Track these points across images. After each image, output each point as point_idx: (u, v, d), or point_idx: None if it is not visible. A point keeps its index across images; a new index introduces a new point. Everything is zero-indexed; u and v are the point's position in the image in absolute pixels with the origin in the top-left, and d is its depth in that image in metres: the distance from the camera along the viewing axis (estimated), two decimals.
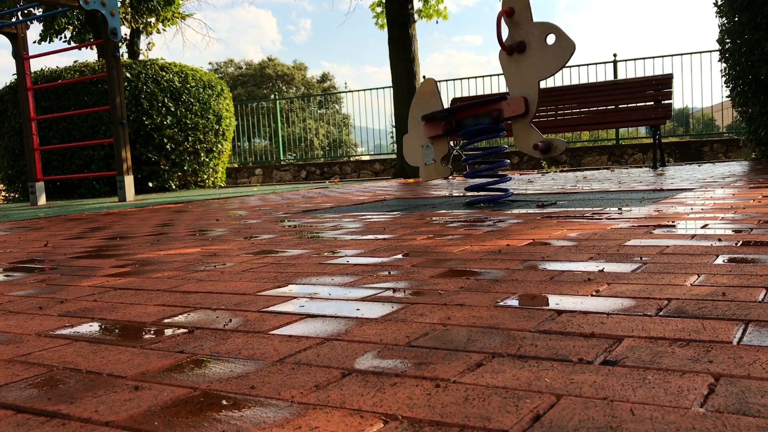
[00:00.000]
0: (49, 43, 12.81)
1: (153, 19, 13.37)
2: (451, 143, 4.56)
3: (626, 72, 11.29)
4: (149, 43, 14.44)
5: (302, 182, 11.29)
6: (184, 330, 1.05)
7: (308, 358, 0.85)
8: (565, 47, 3.03)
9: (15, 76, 8.44)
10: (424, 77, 10.22)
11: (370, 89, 12.39)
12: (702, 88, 13.92)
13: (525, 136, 3.25)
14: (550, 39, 3.07)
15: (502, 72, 3.28)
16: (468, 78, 11.42)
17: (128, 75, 8.31)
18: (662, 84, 6.92)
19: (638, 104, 7.06)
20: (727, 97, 7.96)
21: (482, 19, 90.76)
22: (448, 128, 3.44)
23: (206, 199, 5.89)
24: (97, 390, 0.77)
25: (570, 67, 10.52)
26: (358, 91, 12.52)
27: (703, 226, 1.91)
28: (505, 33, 3.20)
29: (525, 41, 3.12)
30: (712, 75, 16.20)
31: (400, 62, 9.05)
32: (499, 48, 3.21)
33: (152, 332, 1.05)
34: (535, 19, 3.11)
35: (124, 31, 13.19)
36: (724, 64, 7.43)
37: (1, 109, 8.94)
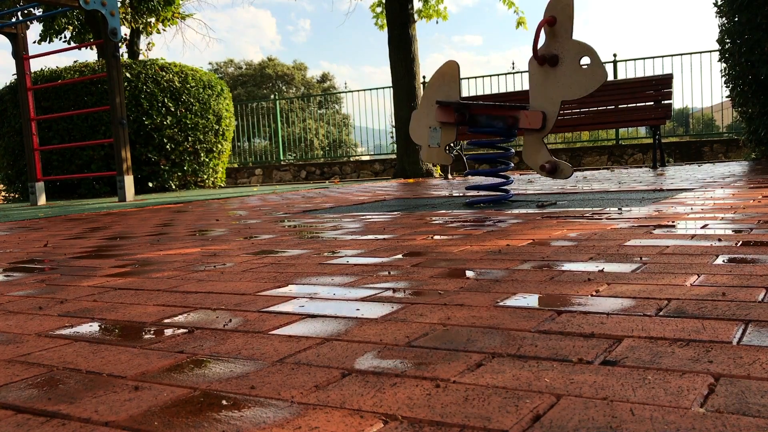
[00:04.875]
0: (49, 43, 12.81)
1: (153, 19, 13.36)
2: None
3: (626, 72, 11.31)
4: (149, 43, 14.44)
5: (302, 182, 11.29)
6: (184, 330, 1.05)
7: (308, 358, 0.85)
8: (597, 74, 2.98)
9: (15, 76, 8.43)
10: (424, 77, 10.22)
11: (370, 89, 12.39)
12: (702, 88, 13.94)
13: (535, 152, 3.22)
14: (584, 61, 3.02)
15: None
16: (468, 78, 11.42)
17: (128, 75, 8.31)
18: (662, 84, 6.92)
19: (638, 104, 7.05)
20: (727, 97, 7.96)
21: (482, 19, 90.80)
22: (460, 120, 3.40)
23: (206, 199, 5.89)
24: (97, 390, 0.77)
25: None
26: (358, 91, 12.52)
27: (703, 226, 1.91)
28: (540, 42, 3.15)
29: (559, 55, 3.08)
30: (712, 75, 16.20)
31: (400, 62, 9.05)
32: (531, 55, 3.16)
33: (152, 332, 1.05)
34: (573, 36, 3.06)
35: (124, 31, 13.18)
36: (724, 64, 7.42)
37: (1, 109, 8.93)
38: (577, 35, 3.02)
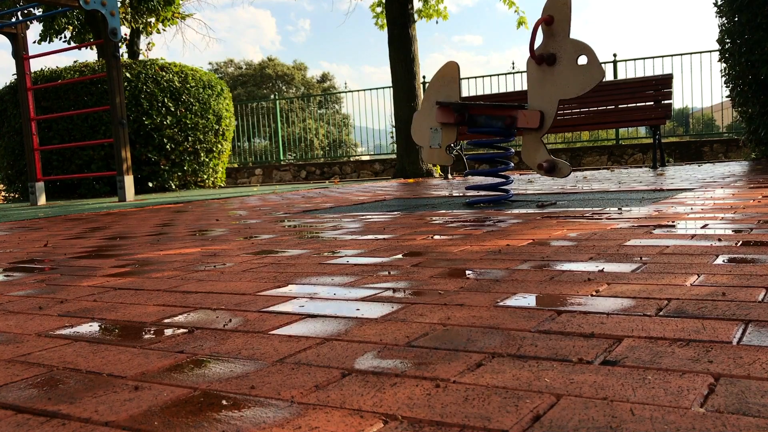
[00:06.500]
0: (49, 43, 12.80)
1: (153, 19, 13.36)
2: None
3: (626, 72, 11.31)
4: (149, 43, 14.44)
5: (302, 182, 11.29)
6: (184, 330, 1.05)
7: (308, 358, 0.85)
8: (594, 73, 2.97)
9: (15, 76, 8.43)
10: (424, 77, 10.22)
11: (370, 89, 12.39)
12: (702, 88, 13.94)
13: (533, 151, 3.23)
14: (582, 60, 3.02)
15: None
16: (468, 78, 11.42)
17: (128, 75, 8.30)
18: (662, 84, 6.92)
19: (638, 104, 7.05)
20: (727, 97, 7.96)
21: (482, 19, 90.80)
22: (460, 120, 3.41)
23: (206, 199, 5.89)
24: (97, 390, 0.77)
25: None
26: (358, 91, 12.52)
27: (703, 226, 1.91)
28: (538, 41, 3.14)
29: (556, 54, 3.07)
30: (712, 75, 16.19)
31: (400, 62, 9.04)
32: (528, 54, 3.16)
33: (152, 332, 1.05)
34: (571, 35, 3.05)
35: (124, 31, 13.18)
36: (724, 64, 7.42)
37: (1, 109, 8.93)
38: (576, 35, 3.01)
